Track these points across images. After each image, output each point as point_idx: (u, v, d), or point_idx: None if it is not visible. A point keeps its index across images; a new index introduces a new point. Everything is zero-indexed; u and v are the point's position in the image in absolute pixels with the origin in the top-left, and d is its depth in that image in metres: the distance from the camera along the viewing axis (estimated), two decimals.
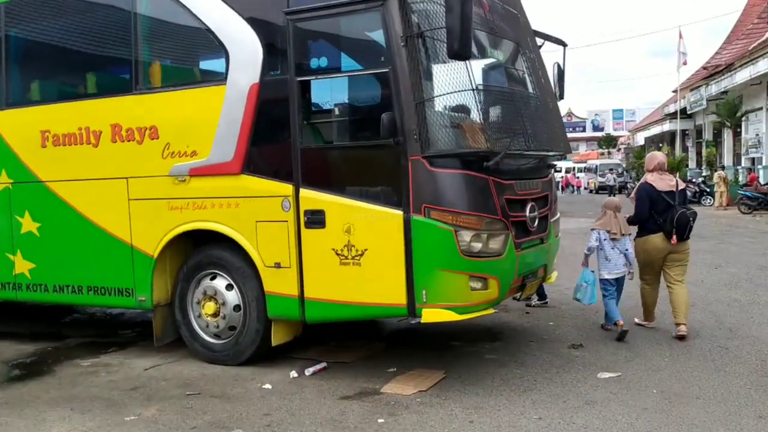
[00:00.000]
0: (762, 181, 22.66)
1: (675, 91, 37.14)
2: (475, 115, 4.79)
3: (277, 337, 5.45)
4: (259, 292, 5.40)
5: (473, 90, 4.71)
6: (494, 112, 4.94)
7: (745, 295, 7.93)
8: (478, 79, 4.90)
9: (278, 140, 5.30)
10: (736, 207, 21.51)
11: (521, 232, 5.28)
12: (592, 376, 5.11)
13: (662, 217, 6.00)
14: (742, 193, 21.64)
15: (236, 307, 5.57)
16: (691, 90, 33.97)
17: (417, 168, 4.73)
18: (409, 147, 4.73)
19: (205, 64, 6.01)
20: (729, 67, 29.63)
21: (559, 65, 6.43)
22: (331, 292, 5.07)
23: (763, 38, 29.87)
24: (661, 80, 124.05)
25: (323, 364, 5.51)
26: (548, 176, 6.05)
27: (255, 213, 5.33)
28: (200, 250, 5.81)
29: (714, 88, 29.70)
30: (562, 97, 6.49)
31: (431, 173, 4.75)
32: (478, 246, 4.79)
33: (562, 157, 6.75)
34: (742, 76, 26.05)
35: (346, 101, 5.31)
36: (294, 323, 5.46)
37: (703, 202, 24.93)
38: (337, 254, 4.98)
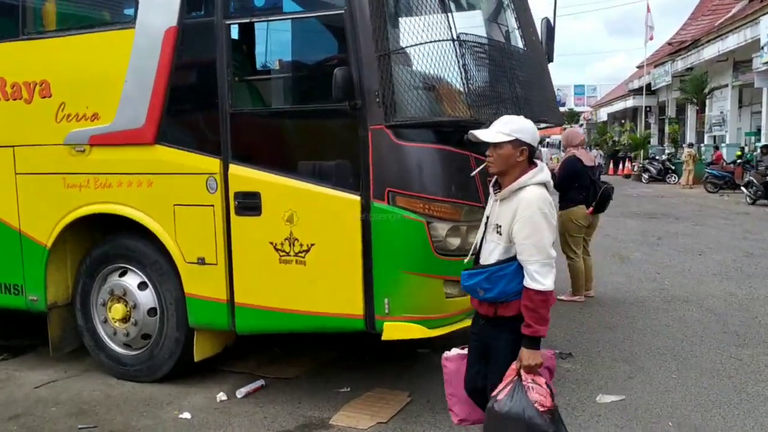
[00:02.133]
0: (727, 159, 22.26)
1: (640, 67, 36.68)
2: (455, 74, 3.71)
3: (201, 351, 4.36)
4: (180, 293, 4.30)
5: (453, 41, 3.64)
6: (478, 72, 3.87)
7: (740, 287, 7.14)
8: (460, 28, 3.81)
9: (202, 101, 4.17)
10: (702, 185, 21.06)
11: None
12: (590, 399, 4.18)
13: (586, 189, 6.36)
14: (709, 171, 21.17)
15: (151, 311, 4.45)
16: (656, 66, 33.49)
17: (379, 140, 3.66)
18: (369, 113, 3.66)
19: (110, 3, 4.76)
20: (695, 43, 29.15)
21: (548, 21, 5.36)
22: (267, 297, 4.00)
23: (731, 14, 29.50)
24: (620, 57, 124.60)
25: (260, 383, 4.45)
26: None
27: (173, 194, 4.20)
28: (108, 239, 4.65)
29: (680, 64, 29.22)
30: (551, 59, 5.43)
31: (398, 147, 3.69)
32: (455, 242, 3.76)
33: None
34: (710, 52, 25.57)
35: (290, 52, 4.18)
36: (223, 333, 4.37)
37: (667, 180, 24.53)
38: (276, 249, 3.90)
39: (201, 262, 4.14)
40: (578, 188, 6.41)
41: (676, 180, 24.17)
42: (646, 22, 31.90)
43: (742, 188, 17.62)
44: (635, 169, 28.49)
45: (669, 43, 35.84)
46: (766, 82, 21.89)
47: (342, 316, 3.82)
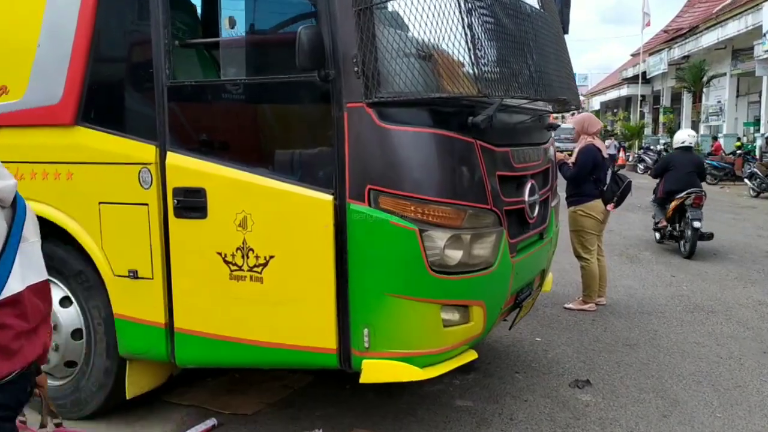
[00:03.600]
0: (726, 150, 21.57)
1: (635, 55, 35.96)
2: (458, 37, 2.84)
3: (137, 385, 3.50)
4: (110, 312, 3.43)
5: None
6: (488, 35, 3.01)
7: (767, 293, 6.36)
8: None
9: (133, 72, 3.30)
10: None
11: (517, 226, 3.44)
12: None
13: (603, 183, 5.79)
14: (708, 162, 20.40)
15: (76, 333, 3.59)
16: (651, 54, 32.74)
17: (358, 122, 2.81)
18: (345, 86, 2.81)
19: None
20: (693, 30, 28.40)
21: None
22: (214, 322, 3.14)
23: (728, 1, 28.76)
24: (613, 46, 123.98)
25: (211, 423, 3.59)
26: (549, 141, 4.21)
27: (97, 189, 3.33)
28: None
29: (677, 52, 28.49)
30: (566, 31, 4.58)
31: (382, 132, 2.83)
32: (456, 255, 2.92)
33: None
34: (709, 39, 24.84)
35: (242, 8, 3.29)
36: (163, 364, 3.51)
37: None
38: (226, 262, 3.04)
39: (133, 275, 3.28)
40: (595, 181, 5.75)
41: None
42: (643, 8, 31.11)
43: (745, 180, 16.92)
44: (630, 159, 27.76)
45: (665, 31, 35.09)
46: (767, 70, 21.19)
47: (309, 349, 2.97)
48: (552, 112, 4.46)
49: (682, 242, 8.26)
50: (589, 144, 5.79)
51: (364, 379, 2.87)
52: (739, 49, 23.82)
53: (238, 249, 3.00)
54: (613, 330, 5.26)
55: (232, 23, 3.14)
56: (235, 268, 3.02)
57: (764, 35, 19.90)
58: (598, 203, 5.76)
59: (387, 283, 2.82)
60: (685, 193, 8.04)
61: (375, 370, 2.86)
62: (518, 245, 3.43)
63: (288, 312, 2.97)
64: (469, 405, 3.87)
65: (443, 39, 2.83)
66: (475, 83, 2.81)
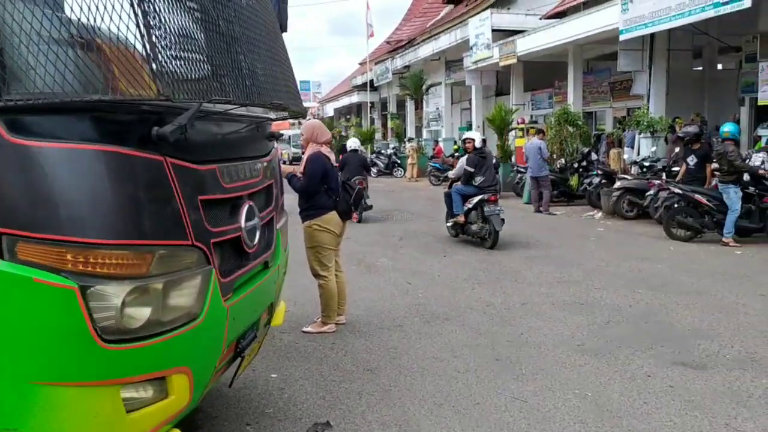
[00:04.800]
0: (446, 153, 23.50)
1: (362, 63, 37.75)
2: (129, 19, 2.09)
3: None
4: None
5: None
6: (171, 19, 2.30)
7: (494, 295, 6.61)
8: None
9: None
10: (427, 178, 21.89)
11: (233, 260, 2.80)
12: None
13: (336, 192, 5.47)
14: (432, 164, 22.07)
15: None
16: (377, 63, 34.65)
17: None
18: None
19: None
20: (411, 42, 30.65)
21: None
22: None
23: (440, 16, 31.66)
24: (342, 55, 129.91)
25: None
26: (270, 153, 3.63)
27: None
28: None
29: (399, 62, 30.48)
30: (284, 29, 4.05)
31: (16, 150, 1.97)
32: (143, 313, 2.16)
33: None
34: (425, 51, 26.94)
35: None
36: None
37: (394, 174, 25.21)
38: None
39: None
40: (327, 191, 5.36)
41: (403, 174, 24.94)
42: (366, 19, 32.69)
43: None
44: None
45: (387, 42, 37.47)
46: (475, 80, 23.56)
47: None
48: (273, 120, 3.90)
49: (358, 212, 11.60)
50: (317, 151, 5.37)
51: None
52: (452, 61, 26.21)
53: None
54: (353, 353, 4.90)
55: None
56: None
57: (471, 48, 22.05)
58: (333, 215, 5.38)
59: (33, 367, 1.96)
60: (353, 180, 9.98)
61: None
62: (235, 283, 2.79)
63: None
64: None
65: (106, 16, 2.06)
66: (154, 82, 2.09)
